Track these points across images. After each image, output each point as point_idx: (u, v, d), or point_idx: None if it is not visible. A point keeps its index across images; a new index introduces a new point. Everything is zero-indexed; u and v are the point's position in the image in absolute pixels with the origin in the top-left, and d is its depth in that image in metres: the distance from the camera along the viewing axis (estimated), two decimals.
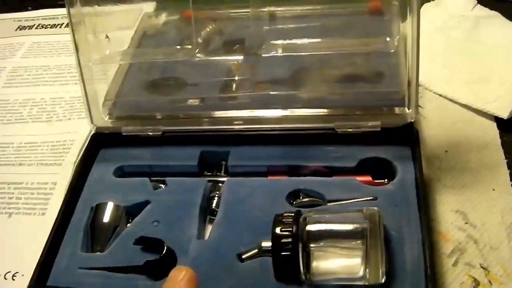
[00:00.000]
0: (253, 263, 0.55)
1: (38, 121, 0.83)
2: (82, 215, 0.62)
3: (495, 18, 0.82)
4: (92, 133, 0.69)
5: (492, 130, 0.69)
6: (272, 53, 0.66)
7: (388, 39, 0.63)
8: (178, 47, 0.71)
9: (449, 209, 0.61)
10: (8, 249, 0.66)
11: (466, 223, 0.60)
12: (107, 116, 0.70)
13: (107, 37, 0.69)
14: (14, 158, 0.77)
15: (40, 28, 1.03)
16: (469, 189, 0.63)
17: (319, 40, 0.66)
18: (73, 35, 0.65)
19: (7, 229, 0.68)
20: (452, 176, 0.64)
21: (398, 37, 0.61)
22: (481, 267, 0.56)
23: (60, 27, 1.02)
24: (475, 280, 0.55)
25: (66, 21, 0.98)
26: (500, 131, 0.69)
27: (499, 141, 0.68)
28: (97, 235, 0.61)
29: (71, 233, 0.61)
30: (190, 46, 0.68)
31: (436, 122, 0.71)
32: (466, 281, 0.55)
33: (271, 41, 0.65)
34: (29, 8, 1.09)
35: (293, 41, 0.66)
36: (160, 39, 0.82)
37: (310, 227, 0.51)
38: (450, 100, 0.74)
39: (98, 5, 0.68)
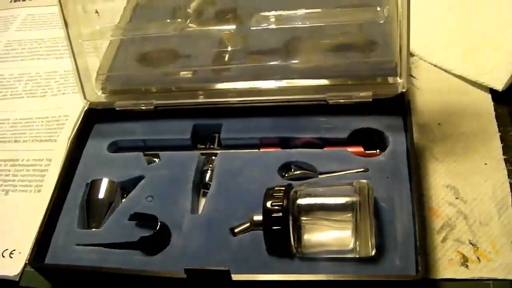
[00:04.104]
0: (245, 236, 0.56)
1: (33, 96, 0.82)
2: (77, 192, 0.63)
3: None
4: (86, 108, 0.69)
5: (486, 102, 0.68)
6: (264, 25, 0.65)
7: (378, 8, 0.62)
8: (169, 20, 0.70)
9: (440, 183, 0.61)
10: (5, 227, 0.66)
11: (456, 198, 0.59)
12: (100, 91, 0.69)
13: (96, 12, 0.68)
14: (10, 135, 0.77)
15: None
16: (461, 163, 0.62)
17: (311, 10, 0.66)
18: (61, 10, 0.64)
19: (4, 207, 0.68)
20: (444, 149, 0.64)
21: (388, 7, 0.60)
22: (470, 243, 0.56)
23: None
24: (463, 256, 0.55)
25: None
26: (495, 103, 0.67)
27: (493, 113, 0.66)
28: (93, 211, 0.62)
29: (67, 210, 0.62)
30: (180, 20, 0.68)
31: (430, 93, 0.70)
32: (454, 257, 0.55)
33: (262, 13, 0.65)
34: None
35: (285, 12, 0.66)
36: (153, 9, 0.80)
37: (301, 201, 0.52)
38: (445, 71, 0.72)
39: None
